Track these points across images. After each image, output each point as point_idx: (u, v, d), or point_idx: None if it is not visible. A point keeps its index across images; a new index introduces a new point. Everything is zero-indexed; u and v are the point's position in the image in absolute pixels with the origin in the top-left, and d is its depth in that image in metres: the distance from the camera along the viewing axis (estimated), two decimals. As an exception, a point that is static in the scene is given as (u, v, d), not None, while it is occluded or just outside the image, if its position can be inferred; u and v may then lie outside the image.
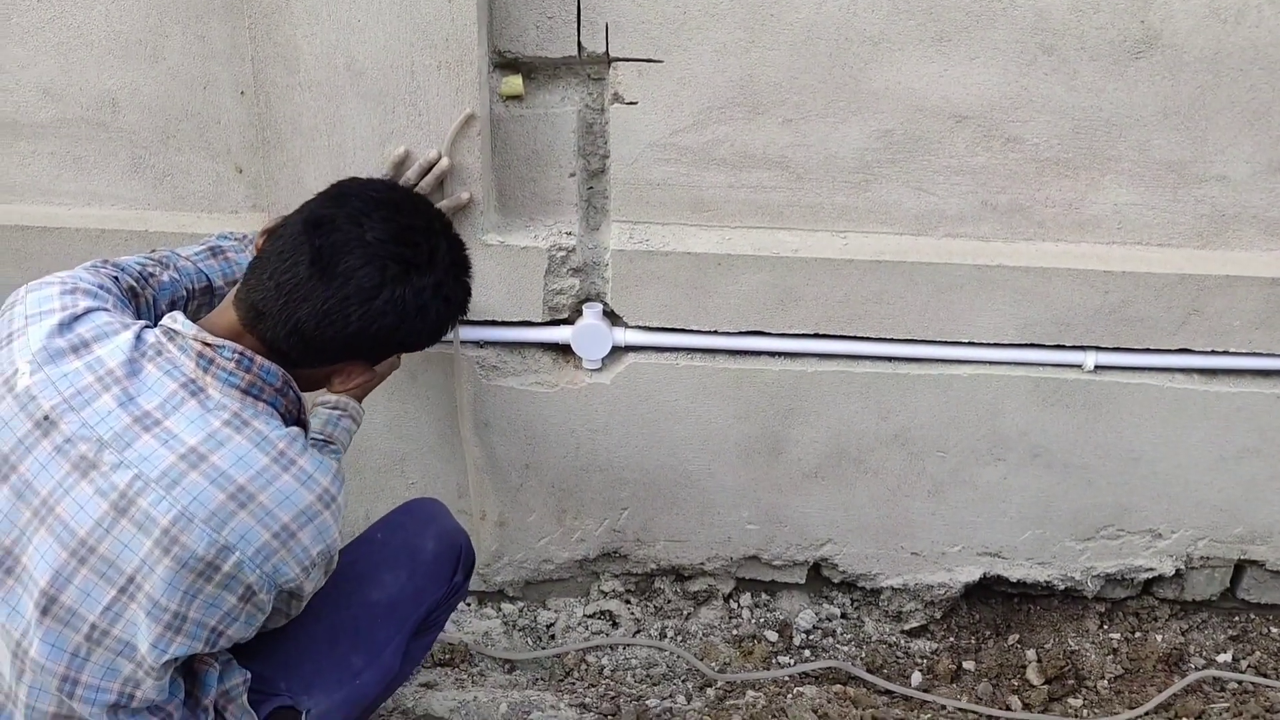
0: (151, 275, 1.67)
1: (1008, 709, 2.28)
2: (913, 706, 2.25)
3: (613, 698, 2.23)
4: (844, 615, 2.48)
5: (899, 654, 2.42)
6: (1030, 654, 2.40)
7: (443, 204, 1.99)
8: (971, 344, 2.16)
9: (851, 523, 2.36)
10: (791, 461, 2.28)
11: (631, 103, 2.04)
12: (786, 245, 2.11)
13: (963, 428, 2.24)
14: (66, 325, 1.40)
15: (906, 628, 2.46)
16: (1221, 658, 2.40)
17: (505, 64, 2.03)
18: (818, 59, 2.00)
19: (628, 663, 2.36)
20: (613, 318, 2.17)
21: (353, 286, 1.41)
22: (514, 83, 2.03)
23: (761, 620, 2.46)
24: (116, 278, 1.57)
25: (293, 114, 1.98)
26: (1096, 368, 2.17)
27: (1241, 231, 2.10)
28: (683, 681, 2.32)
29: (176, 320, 1.43)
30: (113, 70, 2.06)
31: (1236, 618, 2.49)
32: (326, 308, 1.40)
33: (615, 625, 2.43)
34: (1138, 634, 2.45)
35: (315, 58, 1.94)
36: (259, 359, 1.42)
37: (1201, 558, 2.38)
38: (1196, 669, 2.37)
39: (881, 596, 2.46)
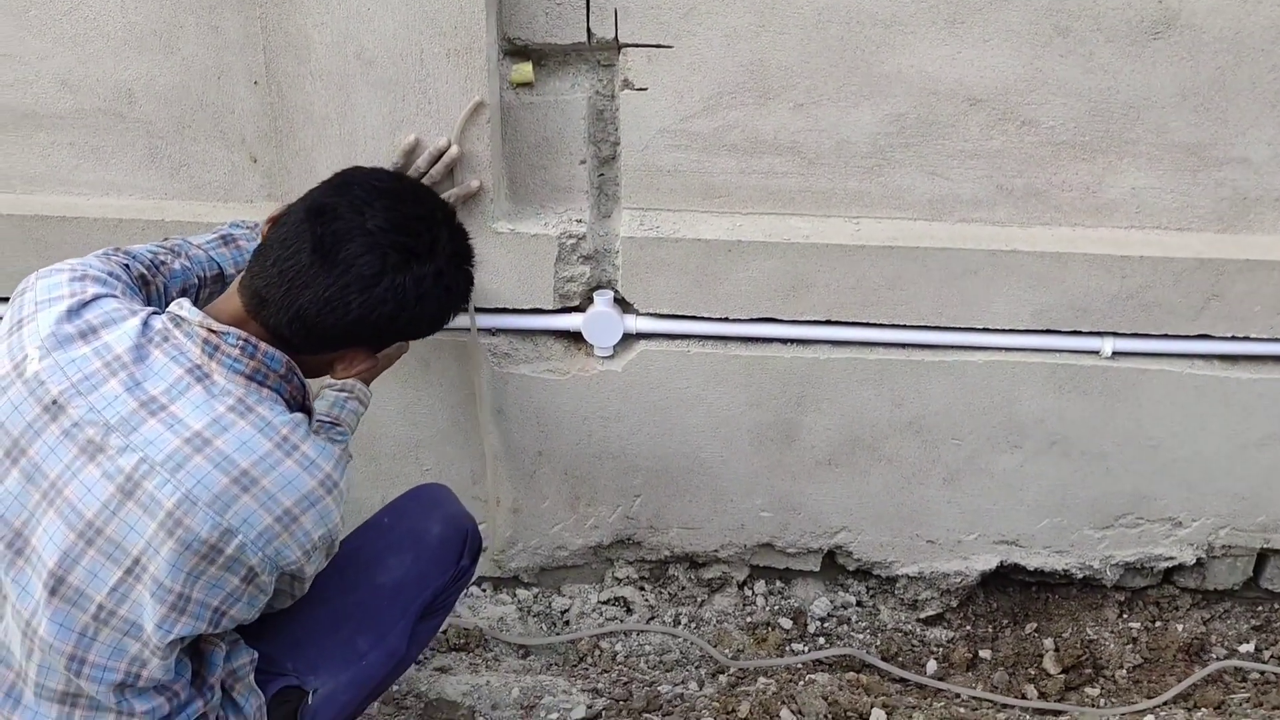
0: (163, 263, 1.69)
1: (1023, 698, 2.26)
2: (926, 695, 2.24)
3: (625, 683, 2.24)
4: (859, 603, 2.47)
5: (914, 642, 2.41)
6: (1048, 643, 2.38)
7: (453, 192, 1.99)
8: (986, 330, 2.14)
9: (866, 510, 2.35)
10: (805, 449, 2.28)
11: (642, 89, 2.03)
12: (798, 231, 2.10)
13: (978, 415, 2.22)
14: (75, 311, 1.42)
15: (922, 616, 2.45)
16: (1244, 648, 2.37)
17: (515, 51, 2.03)
18: (829, 43, 1.98)
19: (641, 649, 2.37)
20: (624, 305, 2.17)
21: (354, 274, 1.42)
22: (524, 70, 2.03)
23: (776, 607, 2.45)
24: (127, 265, 1.59)
25: (304, 103, 1.99)
26: (1114, 354, 2.14)
27: (1263, 215, 2.07)
28: (696, 668, 2.32)
29: (183, 307, 1.45)
30: (129, 61, 2.08)
31: (1260, 607, 2.45)
32: (328, 295, 1.41)
33: (629, 612, 2.44)
34: (1158, 623, 2.42)
35: (326, 47, 1.95)
36: (263, 345, 1.44)
37: (1223, 546, 2.35)
38: (1218, 659, 2.34)
39: (897, 584, 2.45)
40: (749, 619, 2.43)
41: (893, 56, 1.98)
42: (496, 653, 2.34)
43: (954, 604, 2.44)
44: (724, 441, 2.27)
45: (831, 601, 2.47)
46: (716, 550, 2.41)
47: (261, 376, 1.43)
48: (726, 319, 2.15)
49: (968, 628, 2.44)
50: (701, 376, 2.21)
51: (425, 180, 1.96)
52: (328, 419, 1.80)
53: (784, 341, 2.19)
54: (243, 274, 1.49)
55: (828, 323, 2.15)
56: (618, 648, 2.37)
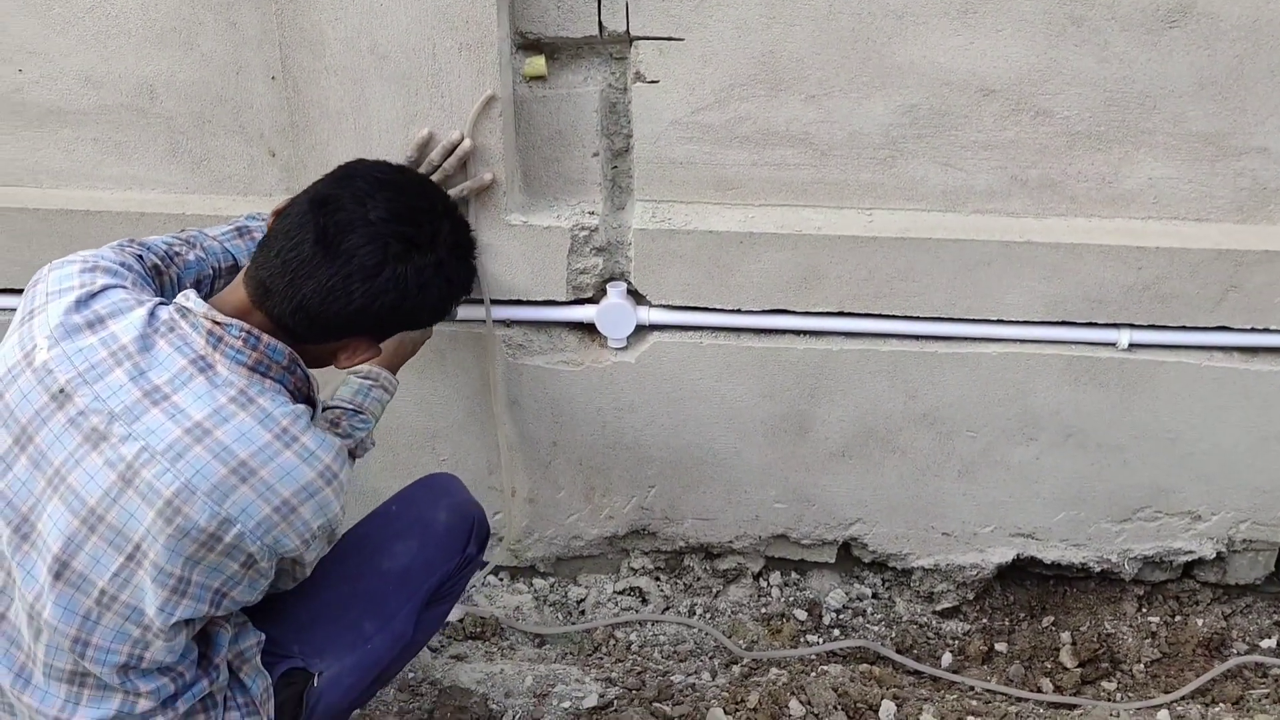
0: (177, 254, 1.72)
1: (1038, 691, 2.25)
2: (940, 687, 2.24)
3: (639, 673, 2.25)
4: (875, 595, 2.47)
5: (930, 634, 2.41)
6: (1065, 637, 2.37)
7: (466, 184, 2.01)
8: (1000, 322, 2.13)
9: (880, 502, 2.34)
10: (818, 441, 2.28)
11: (653, 81, 2.04)
12: (810, 223, 2.10)
13: (992, 407, 2.21)
14: (83, 302, 1.45)
15: (938, 608, 2.44)
16: (1265, 643, 2.35)
17: (528, 45, 2.04)
18: (840, 33, 1.98)
19: (656, 639, 2.38)
20: (637, 297, 2.18)
21: (355, 264, 1.44)
22: (537, 63, 2.04)
23: (791, 599, 2.46)
24: (141, 256, 1.62)
25: (320, 98, 2.02)
26: (1131, 346, 2.12)
27: (1284, 205, 2.04)
28: (710, 658, 2.33)
29: (189, 298, 1.48)
30: (150, 58, 2.12)
31: (1282, 603, 2.42)
32: (330, 284, 1.44)
33: (645, 602, 2.45)
34: (1178, 618, 2.40)
35: (340, 42, 1.97)
36: (265, 337, 1.46)
37: (1244, 541, 2.32)
38: (1238, 654, 2.31)
39: (913, 577, 2.44)
40: (764, 610, 2.43)
41: (905, 47, 1.97)
42: (512, 641, 2.37)
43: (970, 597, 2.43)
44: (737, 433, 2.28)
45: (847, 594, 2.47)
46: (731, 541, 2.42)
47: (264, 368, 1.46)
48: (739, 311, 2.16)
49: (984, 621, 2.43)
50: (714, 368, 2.21)
51: (439, 173, 1.98)
52: (350, 406, 1.82)
53: (797, 333, 2.19)
54: (248, 264, 1.52)
55: (840, 314, 2.15)
56: (632, 637, 2.38)
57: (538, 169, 2.13)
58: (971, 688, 2.23)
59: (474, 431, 2.32)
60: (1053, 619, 2.41)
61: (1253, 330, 2.09)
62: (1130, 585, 2.42)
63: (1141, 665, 2.31)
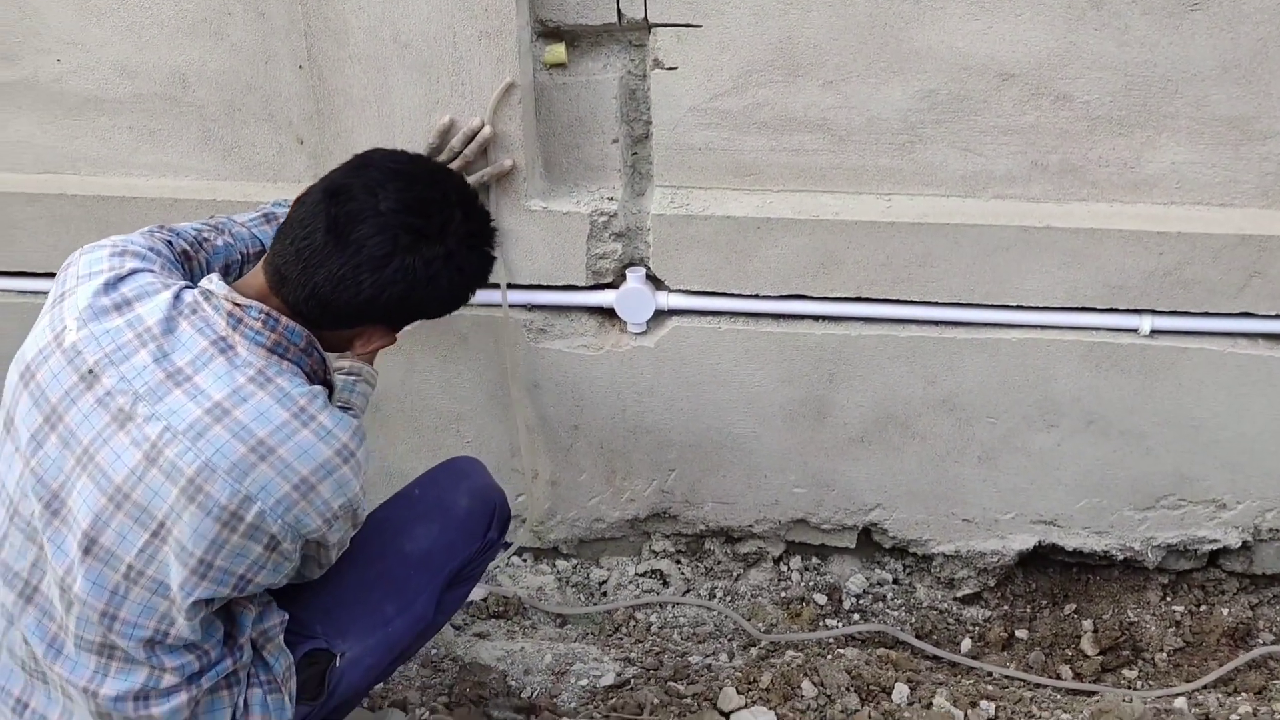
0: (206, 240, 1.77)
1: (1058, 678, 2.25)
2: (957, 672, 2.24)
3: (657, 653, 2.28)
4: (895, 581, 2.48)
5: (950, 620, 2.41)
6: (1086, 624, 2.36)
7: (486, 171, 2.04)
8: (1020, 308, 2.12)
9: (900, 488, 2.35)
10: (837, 425, 2.28)
11: (672, 68, 2.06)
12: (828, 208, 2.10)
13: (1012, 393, 2.20)
14: (111, 285, 1.50)
15: (959, 595, 2.44)
16: (1292, 634, 2.32)
17: (548, 33, 2.06)
18: (857, 19, 1.98)
19: (676, 621, 2.41)
20: (656, 282, 2.20)
21: (365, 254, 1.48)
22: (557, 51, 2.06)
23: (811, 583, 2.47)
24: (170, 241, 1.67)
25: (344, 86, 2.06)
26: (1152, 332, 2.10)
27: (1311, 190, 2.01)
28: (728, 641, 2.36)
29: (212, 281, 1.52)
30: (182, 48, 2.17)
31: (1311, 593, 2.39)
32: (341, 274, 1.47)
33: (666, 584, 2.48)
34: (1203, 607, 2.38)
35: (363, 31, 2.01)
36: (284, 319, 1.50)
37: (1270, 530, 2.29)
38: (1264, 645, 2.29)
39: (934, 563, 2.45)
40: (784, 594, 2.45)
41: (923, 32, 1.97)
42: (534, 621, 2.41)
43: (991, 583, 2.43)
44: (756, 417, 2.29)
45: (867, 579, 2.48)
46: (751, 525, 2.44)
47: (282, 349, 1.50)
48: (757, 296, 2.17)
49: (1005, 608, 2.43)
50: (733, 353, 2.23)
51: (459, 160, 2.01)
52: (339, 403, 1.85)
53: (815, 318, 2.20)
54: (267, 251, 1.56)
55: (858, 299, 2.15)
56: (652, 619, 2.41)
57: (559, 155, 2.16)
58: (989, 673, 2.23)
59: (496, 414, 2.36)
60: (1075, 607, 2.41)
61: (1277, 317, 2.06)
62: (1155, 574, 2.41)
63: (1164, 654, 2.30)
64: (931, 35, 1.97)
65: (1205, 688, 2.18)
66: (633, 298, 2.18)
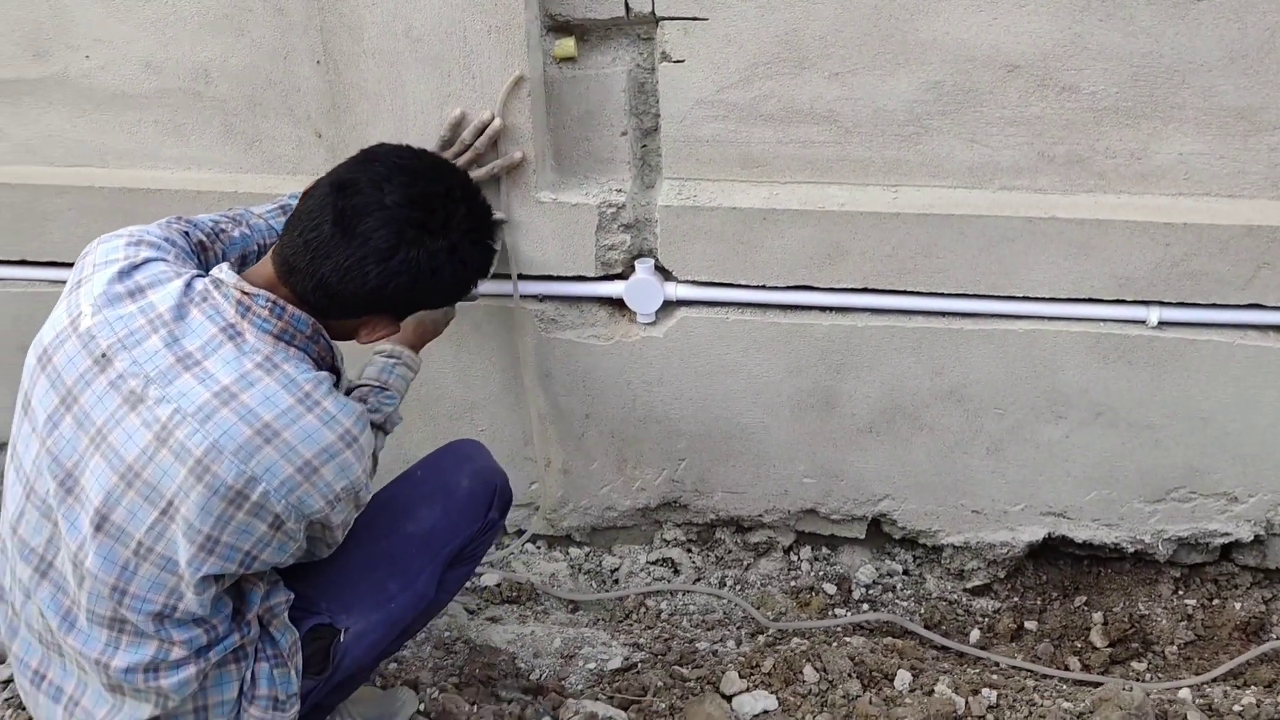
0: (223, 231, 1.82)
1: (1066, 669, 2.25)
2: (963, 662, 2.25)
3: (666, 639, 2.31)
4: (905, 571, 2.49)
5: (959, 611, 2.42)
6: (1096, 617, 2.36)
7: (496, 163, 2.08)
8: (1026, 299, 2.12)
9: (909, 479, 2.36)
10: (845, 416, 2.30)
11: (679, 61, 2.08)
12: (834, 199, 2.12)
13: (1020, 384, 2.21)
14: (126, 273, 1.56)
15: (969, 586, 2.45)
16: (1305, 628, 2.31)
17: (557, 27, 2.10)
18: (863, 11, 1.99)
19: (685, 608, 2.44)
20: (664, 273, 2.23)
21: (370, 247, 1.52)
22: (566, 45, 2.10)
23: (820, 573, 2.49)
24: (187, 233, 1.73)
25: (359, 80, 2.11)
26: (1160, 324, 2.10)
27: (1321, 181, 2.00)
28: (737, 628, 2.38)
29: (222, 270, 1.58)
30: (204, 44, 2.23)
31: (1326, 588, 2.38)
32: (347, 265, 1.52)
33: (676, 572, 2.51)
34: (1215, 601, 2.37)
35: (377, 26, 2.05)
36: (290, 308, 1.55)
37: (1283, 523, 2.28)
38: (1277, 639, 2.28)
39: (943, 554, 2.46)
40: (793, 583, 2.47)
41: (928, 24, 1.98)
42: (546, 606, 2.45)
43: (1001, 575, 2.43)
44: (765, 408, 2.32)
45: (877, 569, 2.49)
46: (761, 515, 2.46)
47: (289, 336, 1.55)
48: (764, 286, 2.19)
49: (1015, 599, 2.43)
50: (741, 343, 2.25)
51: (470, 152, 2.05)
52: (377, 383, 1.91)
53: (822, 309, 2.21)
54: (277, 242, 1.61)
55: (865, 290, 2.17)
56: (663, 606, 2.44)
57: (568, 148, 2.19)
58: (997, 664, 2.24)
59: (510, 403, 2.40)
60: (1085, 599, 2.41)
61: (1287, 309, 2.05)
62: (1166, 567, 2.40)
63: (1175, 647, 2.29)
64: (937, 27, 1.98)
65: (1214, 680, 2.17)
66: (642, 288, 2.21)
